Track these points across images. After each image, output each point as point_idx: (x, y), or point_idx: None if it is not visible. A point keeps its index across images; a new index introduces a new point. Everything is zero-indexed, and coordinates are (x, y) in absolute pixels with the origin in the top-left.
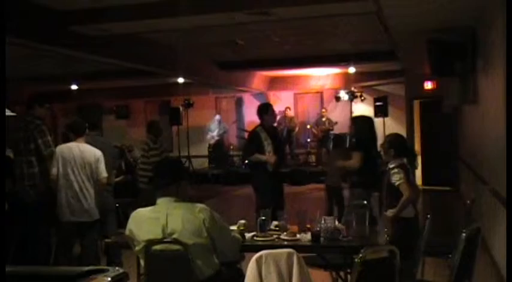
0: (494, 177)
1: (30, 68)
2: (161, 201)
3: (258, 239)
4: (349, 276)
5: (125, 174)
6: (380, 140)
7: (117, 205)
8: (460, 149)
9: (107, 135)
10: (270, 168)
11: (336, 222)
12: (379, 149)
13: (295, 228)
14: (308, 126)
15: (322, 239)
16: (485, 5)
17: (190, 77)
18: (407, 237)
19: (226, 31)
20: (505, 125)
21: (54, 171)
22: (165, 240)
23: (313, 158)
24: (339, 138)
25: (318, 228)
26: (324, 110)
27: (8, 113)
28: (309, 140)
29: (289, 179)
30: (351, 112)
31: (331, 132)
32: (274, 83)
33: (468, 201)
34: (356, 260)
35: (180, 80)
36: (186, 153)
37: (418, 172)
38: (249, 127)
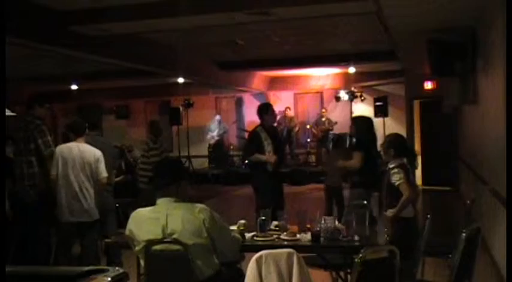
0: (494, 177)
1: (30, 68)
2: (161, 202)
3: (258, 239)
4: (349, 276)
5: (125, 174)
6: (380, 140)
7: (117, 205)
8: (460, 149)
9: (107, 135)
10: (270, 168)
11: (336, 222)
12: (379, 149)
13: (295, 228)
14: (308, 126)
15: (322, 239)
16: (485, 5)
17: (190, 77)
18: (407, 237)
19: (226, 31)
20: (505, 125)
21: (54, 171)
22: (165, 240)
23: (313, 158)
24: (339, 138)
25: (318, 228)
26: (323, 110)
27: (8, 113)
28: (308, 140)
29: (289, 179)
30: (351, 112)
31: (331, 132)
32: (274, 83)
33: (468, 201)
34: (356, 260)
35: (180, 80)
36: (186, 153)
37: (418, 172)
38: (249, 127)
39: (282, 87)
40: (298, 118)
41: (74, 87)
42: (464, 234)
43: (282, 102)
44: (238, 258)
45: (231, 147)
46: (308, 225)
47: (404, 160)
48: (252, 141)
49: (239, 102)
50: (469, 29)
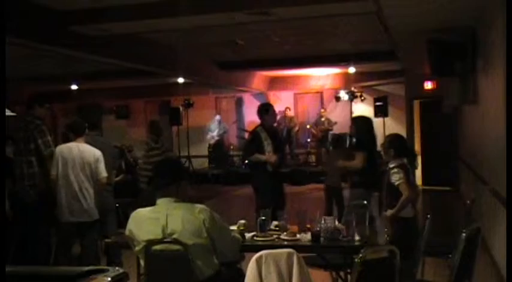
0: (494, 177)
1: (30, 68)
2: (161, 202)
3: (258, 239)
4: (349, 276)
5: (125, 174)
6: (380, 140)
7: (117, 205)
8: (460, 149)
9: (107, 135)
10: (270, 168)
11: (336, 222)
12: (379, 149)
13: (295, 228)
14: (308, 126)
15: (322, 239)
16: (485, 5)
17: (190, 77)
18: (406, 237)
19: (226, 31)
20: (505, 125)
21: (54, 171)
22: (165, 240)
23: (313, 158)
24: (339, 138)
25: (318, 228)
26: (322, 110)
27: (8, 113)
28: (308, 140)
29: (289, 179)
30: (351, 112)
31: (331, 132)
32: (274, 83)
33: (468, 201)
34: (356, 260)
35: (180, 80)
36: (186, 153)
37: (418, 172)
38: (249, 127)
39: (282, 87)
40: (298, 118)
41: (74, 87)
42: (464, 234)
43: (282, 102)
44: (238, 258)
45: (231, 147)
46: (308, 225)
47: (405, 160)
48: (252, 141)
49: (239, 102)
50: (469, 29)
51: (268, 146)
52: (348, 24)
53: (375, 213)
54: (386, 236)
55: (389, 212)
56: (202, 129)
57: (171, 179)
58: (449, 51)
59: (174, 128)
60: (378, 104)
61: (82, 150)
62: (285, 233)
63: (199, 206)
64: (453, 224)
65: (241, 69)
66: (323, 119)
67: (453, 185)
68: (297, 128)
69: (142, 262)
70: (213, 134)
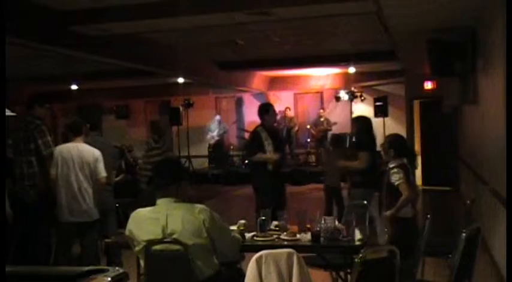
0: (494, 177)
1: (30, 68)
2: (161, 202)
3: (258, 239)
4: (349, 276)
5: (125, 174)
6: (380, 140)
7: (117, 205)
8: (460, 149)
9: (107, 135)
10: (271, 168)
11: (336, 222)
12: (379, 149)
13: (295, 228)
14: (308, 127)
15: (322, 239)
16: (485, 5)
17: (190, 77)
18: (406, 237)
19: (226, 31)
20: (505, 125)
21: (53, 171)
22: (165, 240)
23: (313, 158)
24: (339, 138)
25: (318, 228)
26: (321, 111)
27: (8, 113)
28: (308, 140)
29: (289, 179)
30: (351, 112)
31: (330, 132)
32: (274, 83)
33: (468, 201)
34: (356, 260)
35: (180, 80)
36: (186, 153)
37: (418, 172)
38: (249, 127)
39: (282, 87)
40: (298, 118)
41: (74, 87)
42: (464, 234)
43: (282, 102)
44: (238, 258)
45: (231, 147)
46: (308, 225)
47: (405, 160)
48: (253, 141)
49: (239, 102)
50: (469, 29)
51: (268, 146)
52: (348, 24)
53: (375, 213)
54: (386, 236)
55: (388, 212)
56: (202, 129)
57: (171, 179)
58: (449, 51)
59: (174, 128)
60: (378, 104)
61: (81, 150)
62: (285, 233)
63: (199, 206)
64: (453, 224)
65: (241, 69)
66: (322, 119)
67: (453, 185)
68: (296, 128)
69: (142, 262)
70: (213, 134)
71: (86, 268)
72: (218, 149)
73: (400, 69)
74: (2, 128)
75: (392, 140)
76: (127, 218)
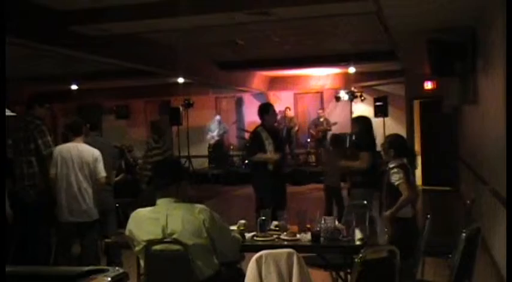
0: (494, 177)
1: (30, 68)
2: (161, 202)
3: (258, 239)
4: (349, 276)
5: (125, 174)
6: (380, 140)
7: (117, 205)
8: (460, 149)
9: (107, 135)
10: (271, 168)
11: (336, 222)
12: (379, 149)
13: (295, 228)
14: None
15: (322, 239)
16: (485, 5)
17: (190, 77)
18: (406, 237)
19: (226, 31)
20: (505, 125)
21: (52, 171)
22: (165, 240)
23: (313, 158)
24: (338, 138)
25: (318, 228)
26: (320, 111)
27: (8, 113)
28: (308, 140)
29: (289, 179)
30: (351, 112)
31: (330, 132)
32: (274, 83)
33: (468, 201)
34: (356, 260)
35: (180, 80)
36: (186, 153)
37: (418, 172)
38: (249, 127)
39: (282, 87)
40: (298, 118)
41: (74, 87)
42: (464, 234)
43: (282, 102)
44: (238, 258)
45: (231, 147)
46: (308, 225)
47: (405, 160)
48: (254, 141)
49: (239, 102)
50: (469, 29)
51: (269, 146)
52: (348, 24)
53: (375, 213)
54: (386, 236)
55: (388, 212)
56: (202, 129)
57: (171, 179)
58: (449, 51)
59: (174, 128)
60: (378, 104)
61: (81, 150)
62: (285, 233)
63: (199, 206)
64: (453, 224)
65: (241, 69)
66: (321, 120)
67: (453, 185)
68: (296, 128)
69: (142, 262)
70: (213, 134)
71: (86, 268)
72: (218, 149)
73: (400, 69)
74: (2, 128)
75: (392, 140)
76: (127, 218)
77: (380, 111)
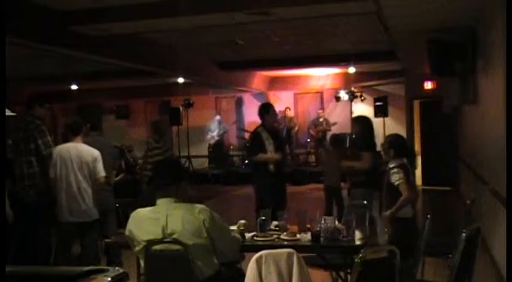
0: (494, 177)
1: (30, 68)
2: (161, 202)
3: (258, 239)
4: (349, 276)
5: (125, 174)
6: (380, 140)
7: (117, 205)
8: (460, 149)
9: (107, 135)
10: (272, 168)
11: (336, 222)
12: (379, 149)
13: (295, 228)
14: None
15: (322, 239)
16: (485, 5)
17: (190, 77)
18: (406, 237)
19: (226, 31)
20: (505, 125)
21: (52, 171)
22: (165, 240)
23: (313, 158)
24: (338, 138)
25: (318, 228)
26: (320, 111)
27: (8, 113)
28: (308, 140)
29: (289, 179)
30: (351, 112)
31: (329, 132)
32: (274, 83)
33: (468, 201)
34: (356, 260)
35: (180, 80)
36: (186, 153)
37: (418, 172)
38: (249, 127)
39: (282, 87)
40: (298, 118)
41: (74, 87)
42: (464, 234)
43: (282, 102)
44: (238, 258)
45: (231, 147)
46: (308, 225)
47: (405, 160)
48: (254, 142)
49: (239, 102)
50: (469, 29)
51: (269, 146)
52: (348, 24)
53: (375, 213)
54: (386, 236)
55: (388, 212)
56: (202, 129)
57: (171, 179)
58: (449, 51)
59: (174, 128)
60: (378, 104)
61: (80, 150)
62: (285, 233)
63: (199, 206)
64: (453, 224)
65: (241, 69)
66: (321, 120)
67: (453, 185)
68: (296, 128)
69: (142, 262)
70: (213, 134)
71: (86, 268)
72: (218, 149)
73: (400, 69)
74: (2, 128)
75: (393, 140)
76: (127, 218)
77: (380, 111)
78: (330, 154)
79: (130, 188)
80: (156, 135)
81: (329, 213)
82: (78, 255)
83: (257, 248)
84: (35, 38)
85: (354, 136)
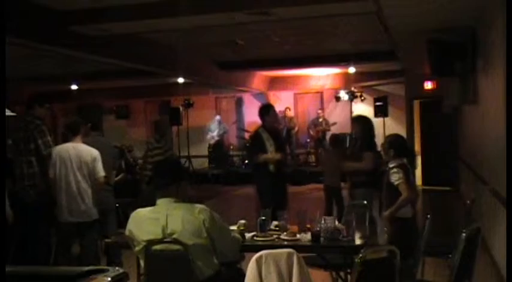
0: (494, 177)
1: (30, 68)
2: (161, 202)
3: (258, 239)
4: (349, 276)
5: (125, 174)
6: (380, 140)
7: (117, 205)
8: (460, 149)
9: (107, 135)
10: (273, 169)
11: (336, 222)
12: (379, 149)
13: (295, 228)
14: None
15: (322, 239)
16: (485, 5)
17: (190, 77)
18: (406, 237)
19: (226, 31)
20: (505, 125)
21: (51, 171)
22: (165, 240)
23: (313, 158)
24: (338, 138)
25: (318, 228)
26: (320, 111)
27: (8, 113)
28: (308, 140)
29: (289, 179)
30: (351, 112)
31: (329, 132)
32: (274, 83)
33: (468, 201)
34: (356, 260)
35: (180, 80)
36: (186, 153)
37: (418, 172)
38: (249, 127)
39: (282, 87)
40: (298, 118)
41: (74, 87)
42: (464, 234)
43: (282, 102)
44: (238, 258)
45: (231, 147)
46: (308, 225)
47: (405, 160)
48: (255, 142)
49: (239, 102)
50: (469, 29)
51: (270, 147)
52: (348, 24)
53: (375, 213)
54: (386, 236)
55: (387, 212)
56: (202, 129)
57: (171, 179)
58: (449, 51)
59: (174, 128)
60: (378, 104)
61: (79, 150)
62: (285, 233)
63: (199, 206)
64: (453, 224)
65: (241, 69)
66: (320, 120)
67: (453, 185)
68: (296, 128)
69: (142, 262)
70: (213, 134)
71: (86, 268)
72: (218, 149)
73: (400, 69)
74: (2, 128)
75: (392, 140)
76: (127, 218)
77: (380, 111)
78: (330, 154)
79: (130, 188)
80: (157, 135)
81: (329, 213)
82: (78, 255)
83: (257, 248)
84: (35, 38)
85: (353, 136)
